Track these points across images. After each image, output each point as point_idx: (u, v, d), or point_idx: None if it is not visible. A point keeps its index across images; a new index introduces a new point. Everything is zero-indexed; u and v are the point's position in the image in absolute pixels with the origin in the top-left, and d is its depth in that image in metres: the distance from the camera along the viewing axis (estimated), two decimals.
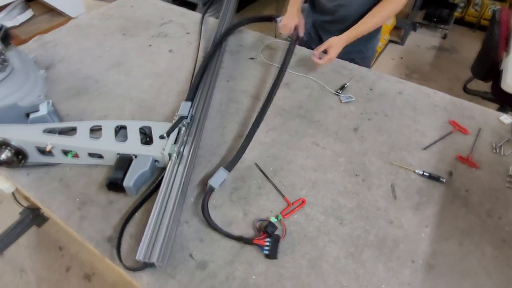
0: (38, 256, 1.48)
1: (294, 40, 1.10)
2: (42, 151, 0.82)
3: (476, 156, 0.88)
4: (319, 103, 1.03)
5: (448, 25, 2.91)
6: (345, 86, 1.08)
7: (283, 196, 0.78)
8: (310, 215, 0.75)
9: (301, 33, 1.16)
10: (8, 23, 2.25)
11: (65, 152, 0.83)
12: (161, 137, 0.83)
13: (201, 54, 1.22)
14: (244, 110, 1.01)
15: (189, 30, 1.38)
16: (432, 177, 0.82)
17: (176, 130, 0.84)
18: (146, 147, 0.81)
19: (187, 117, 0.84)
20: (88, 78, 1.14)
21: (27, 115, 0.92)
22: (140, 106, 1.03)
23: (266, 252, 0.67)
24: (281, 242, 0.70)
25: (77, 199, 0.78)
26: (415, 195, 0.79)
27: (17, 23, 2.33)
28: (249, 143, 0.83)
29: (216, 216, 0.75)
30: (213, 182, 0.76)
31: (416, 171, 0.83)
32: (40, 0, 2.29)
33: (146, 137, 0.85)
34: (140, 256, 0.61)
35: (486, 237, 0.72)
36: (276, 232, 0.71)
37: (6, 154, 0.79)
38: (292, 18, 1.13)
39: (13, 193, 1.34)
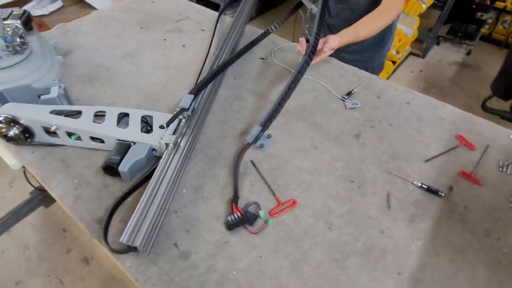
0: (42, 235, 1.53)
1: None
2: (48, 131, 0.86)
3: (481, 173, 0.84)
4: (323, 107, 1.02)
5: (474, 41, 2.82)
6: (352, 92, 1.06)
7: (274, 195, 0.77)
8: (299, 216, 0.74)
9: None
10: (38, 12, 2.36)
11: (69, 134, 0.86)
12: (161, 127, 0.84)
13: (212, 51, 1.24)
14: (247, 108, 1.01)
15: (204, 27, 1.40)
16: (431, 190, 0.79)
17: (176, 122, 0.85)
18: (145, 135, 0.82)
19: (188, 109, 0.85)
20: (101, 66, 1.18)
21: (39, 96, 0.96)
22: (147, 97, 1.05)
23: (229, 219, 0.70)
24: (262, 238, 0.70)
25: (75, 180, 0.81)
26: (410, 206, 0.77)
27: (47, 12, 2.44)
28: (283, 106, 0.85)
29: (204, 209, 0.75)
30: (249, 137, 0.81)
31: (414, 182, 0.81)
32: None
33: (147, 126, 0.87)
34: (124, 239, 0.62)
35: (480, 257, 0.69)
36: (252, 226, 0.71)
37: (14, 131, 0.83)
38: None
39: (24, 173, 1.40)
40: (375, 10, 1.04)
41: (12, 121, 0.83)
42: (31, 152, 0.88)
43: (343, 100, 1.04)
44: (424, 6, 2.26)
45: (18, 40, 1.00)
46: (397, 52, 2.45)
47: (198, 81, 1.03)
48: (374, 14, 1.04)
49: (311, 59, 0.92)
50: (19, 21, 1.02)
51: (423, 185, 0.80)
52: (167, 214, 0.74)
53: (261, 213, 0.73)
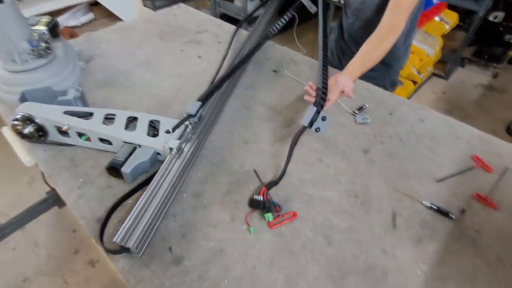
0: (53, 234, 1.57)
1: None
2: (60, 131, 0.89)
3: (497, 196, 0.79)
4: (332, 120, 1.00)
5: (501, 64, 2.73)
6: (364, 107, 1.04)
7: (274, 206, 0.76)
8: (298, 229, 0.72)
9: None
10: (71, 23, 2.51)
11: (80, 135, 0.88)
12: (167, 131, 0.86)
13: (226, 62, 1.26)
14: (255, 118, 1.01)
15: (221, 40, 1.43)
16: (441, 211, 0.75)
17: (182, 127, 0.86)
18: (151, 139, 0.84)
19: (194, 116, 0.86)
20: (119, 72, 1.22)
21: (57, 97, 1.00)
22: (158, 102, 1.07)
23: (254, 197, 0.74)
24: (258, 249, 0.68)
25: (80, 179, 0.83)
26: (417, 227, 0.73)
27: (79, 24, 2.58)
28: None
29: (203, 215, 0.74)
30: (303, 120, 0.76)
31: (423, 202, 0.77)
32: (101, 6, 2.53)
33: (154, 130, 0.88)
34: (118, 239, 0.62)
35: (491, 284, 0.63)
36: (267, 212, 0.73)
37: (29, 129, 0.87)
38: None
39: (42, 174, 1.45)
40: (377, 31, 0.96)
41: (28, 119, 0.87)
42: (44, 150, 0.91)
43: (354, 115, 1.02)
44: (447, 27, 2.22)
45: (43, 45, 1.06)
46: (419, 72, 2.40)
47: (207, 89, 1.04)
48: (378, 35, 0.95)
49: (322, 107, 0.81)
50: (45, 28, 1.08)
51: (432, 206, 0.75)
52: (165, 217, 0.73)
53: (251, 229, 0.71)
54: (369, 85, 1.15)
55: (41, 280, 1.39)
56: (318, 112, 0.77)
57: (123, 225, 0.64)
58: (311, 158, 0.88)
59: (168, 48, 1.37)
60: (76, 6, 2.54)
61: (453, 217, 0.74)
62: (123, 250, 0.64)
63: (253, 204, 0.74)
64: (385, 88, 1.16)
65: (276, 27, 1.17)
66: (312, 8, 1.30)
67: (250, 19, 1.77)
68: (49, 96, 1.01)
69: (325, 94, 0.85)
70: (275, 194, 0.79)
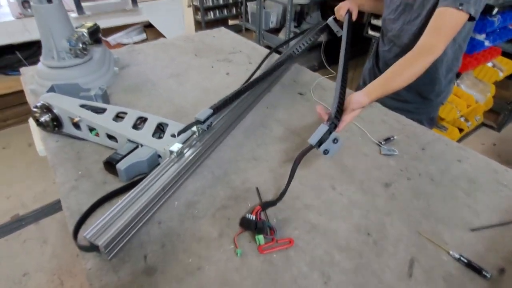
0: (62, 234, 1.57)
1: (348, 20, 1.18)
2: (73, 123, 0.89)
3: None
4: (354, 148, 0.91)
5: None
6: (392, 138, 0.94)
7: (270, 229, 0.67)
8: (292, 259, 0.62)
9: (354, 16, 1.23)
10: (125, 41, 2.72)
11: (90, 129, 0.88)
12: (172, 135, 0.82)
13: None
14: (270, 136, 0.95)
15: (252, 61, 1.43)
16: (472, 267, 0.60)
17: (189, 133, 0.83)
18: (154, 140, 0.81)
19: (203, 122, 0.82)
20: (148, 80, 1.25)
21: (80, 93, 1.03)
22: (176, 111, 1.06)
23: (247, 215, 0.66)
24: (241, 275, 0.58)
25: (79, 172, 0.81)
26: (439, 281, 0.59)
27: (131, 42, 2.78)
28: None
29: (190, 226, 0.67)
30: (311, 139, 0.67)
31: (451, 252, 0.63)
32: (154, 28, 2.73)
33: (161, 133, 0.85)
34: (88, 234, 0.57)
35: None
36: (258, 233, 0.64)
37: (45, 118, 0.89)
38: (345, 3, 1.24)
39: None
40: (410, 52, 0.87)
41: (46, 108, 0.89)
42: (55, 141, 0.91)
43: (379, 145, 0.92)
44: (501, 74, 2.04)
45: (80, 45, 1.12)
46: (466, 120, 2.21)
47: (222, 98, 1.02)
48: (408, 58, 0.86)
49: (335, 127, 0.72)
50: (86, 31, 1.15)
51: (462, 258, 0.61)
52: (149, 222, 0.68)
53: (238, 251, 0.62)
54: (401, 117, 1.05)
55: (39, 277, 1.37)
56: (329, 133, 0.69)
57: (98, 221, 0.59)
58: (323, 183, 0.79)
59: (199, 64, 1.39)
60: (132, 26, 2.74)
61: (488, 276, 0.59)
62: (92, 248, 0.58)
63: (244, 223, 0.66)
64: (421, 123, 1.05)
65: (300, 47, 1.15)
66: (338, 32, 1.28)
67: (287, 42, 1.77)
68: (75, 91, 1.04)
69: (340, 114, 0.77)
70: (273, 216, 0.70)
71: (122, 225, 0.59)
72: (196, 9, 4.20)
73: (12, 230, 1.57)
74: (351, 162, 0.86)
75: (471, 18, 0.87)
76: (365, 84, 1.33)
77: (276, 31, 3.44)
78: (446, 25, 0.86)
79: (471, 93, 2.02)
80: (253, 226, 0.64)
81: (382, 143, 0.92)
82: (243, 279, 0.58)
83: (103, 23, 2.32)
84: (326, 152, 0.70)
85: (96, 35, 1.23)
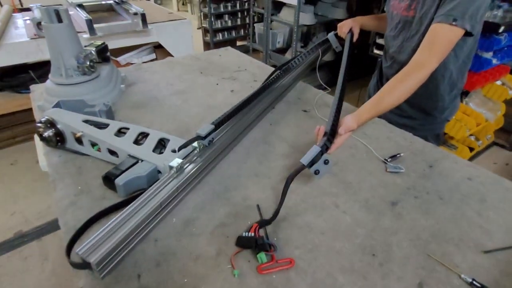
0: (63, 251, 1.54)
1: (349, 40, 1.19)
2: (76, 138, 0.90)
3: None
4: (358, 165, 0.89)
5: None
6: (398, 156, 0.91)
7: (269, 248, 0.64)
8: (292, 281, 0.59)
9: (355, 37, 1.24)
10: (134, 60, 2.79)
11: (93, 145, 0.88)
12: (173, 151, 0.81)
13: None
14: (273, 153, 0.94)
15: (257, 79, 1.44)
16: None
17: (190, 149, 0.82)
18: (154, 155, 0.80)
19: (204, 138, 0.82)
20: (153, 97, 1.26)
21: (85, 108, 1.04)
22: (179, 127, 1.06)
23: (243, 234, 0.64)
24: None
25: (79, 187, 0.80)
26: None
27: (141, 62, 2.85)
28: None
29: (187, 244, 0.65)
30: (304, 159, 0.71)
31: (462, 276, 0.59)
32: (164, 48, 2.80)
33: (162, 148, 0.85)
34: (80, 250, 0.56)
35: None
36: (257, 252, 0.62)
37: (48, 133, 0.89)
38: (348, 22, 1.26)
39: None
40: (401, 70, 0.87)
41: (50, 123, 0.89)
42: (58, 156, 0.92)
43: (385, 163, 0.89)
44: (511, 93, 2.01)
45: (88, 63, 1.14)
46: (476, 139, 2.16)
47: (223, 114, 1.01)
48: (399, 76, 0.86)
49: (327, 149, 0.76)
50: (94, 49, 1.17)
51: (475, 282, 0.57)
52: (145, 240, 0.66)
53: (236, 272, 0.59)
54: (407, 134, 1.03)
55: None
56: (321, 154, 0.72)
57: (91, 238, 0.58)
58: (326, 201, 0.76)
59: (204, 82, 1.41)
60: (143, 46, 2.82)
61: None
62: (85, 265, 0.56)
63: (241, 242, 0.63)
64: (426, 140, 1.02)
65: (298, 59, 1.16)
66: (337, 48, 1.29)
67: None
68: (80, 107, 1.05)
69: (333, 136, 0.78)
70: (273, 234, 0.67)
71: (115, 242, 0.57)
72: (205, 31, 4.33)
73: (14, 247, 1.56)
74: (355, 180, 0.83)
75: (467, 34, 0.86)
76: (368, 98, 1.32)
77: (283, 51, 3.49)
78: (439, 41, 0.85)
79: (481, 111, 1.98)
80: (253, 243, 0.61)
81: (388, 160, 0.89)
82: None
83: (114, 44, 2.39)
84: (317, 172, 0.73)
85: (104, 53, 1.25)
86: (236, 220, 0.71)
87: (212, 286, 0.57)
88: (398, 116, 1.17)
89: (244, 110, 1.00)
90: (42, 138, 0.90)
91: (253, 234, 0.63)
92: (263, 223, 0.66)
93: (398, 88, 0.84)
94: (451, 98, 1.12)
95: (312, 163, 0.72)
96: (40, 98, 1.21)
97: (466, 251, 0.65)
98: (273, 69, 1.52)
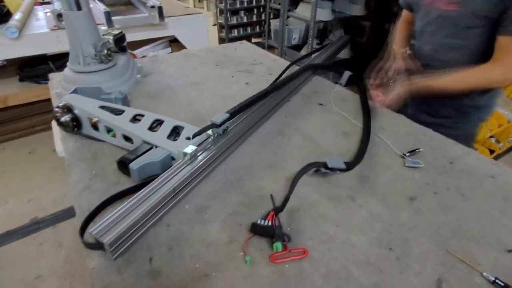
0: (77, 238, 1.57)
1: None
2: (92, 124, 0.90)
3: None
4: (375, 159, 0.86)
5: None
6: (417, 151, 0.88)
7: (283, 238, 0.62)
8: (305, 272, 0.57)
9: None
10: (150, 54, 2.81)
11: (108, 130, 0.89)
12: (187, 138, 0.81)
13: None
14: (287, 145, 0.92)
15: (272, 72, 1.42)
16: None
17: (204, 137, 0.81)
18: (169, 141, 0.80)
19: (218, 126, 0.81)
20: (168, 88, 1.27)
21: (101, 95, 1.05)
22: (194, 117, 1.06)
23: (258, 221, 0.63)
24: (250, 284, 0.54)
25: (94, 171, 0.81)
26: None
27: (156, 55, 2.87)
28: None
29: (199, 231, 0.65)
30: (329, 159, 0.77)
31: (484, 273, 0.56)
32: (180, 43, 2.81)
33: (176, 135, 0.84)
34: (94, 231, 0.56)
35: None
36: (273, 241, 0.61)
37: (65, 118, 0.90)
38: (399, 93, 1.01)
39: None
40: (487, 63, 0.88)
41: (67, 108, 0.90)
42: (74, 141, 0.93)
43: (403, 158, 0.86)
44: None
45: (105, 52, 1.15)
46: (497, 141, 2.08)
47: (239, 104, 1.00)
48: (486, 67, 0.89)
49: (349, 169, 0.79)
50: (111, 38, 1.18)
51: (497, 281, 0.55)
52: (158, 225, 0.65)
53: (247, 259, 0.58)
54: (427, 129, 0.99)
55: (51, 281, 1.37)
56: (346, 170, 0.78)
57: (105, 219, 0.58)
58: (341, 194, 0.74)
59: (219, 74, 1.40)
60: (159, 40, 2.84)
61: None
62: (98, 246, 0.56)
63: (257, 230, 0.62)
64: (456, 140, 0.96)
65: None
66: (341, 84, 1.21)
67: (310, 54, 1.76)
68: (96, 95, 1.06)
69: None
70: (287, 225, 0.66)
71: (128, 224, 0.57)
72: (220, 27, 4.33)
73: (30, 233, 1.59)
74: (372, 174, 0.81)
75: None
76: None
77: (298, 47, 3.46)
78: None
79: (503, 112, 1.91)
80: (270, 232, 0.60)
81: (407, 155, 0.87)
82: None
83: (131, 37, 2.41)
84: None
85: (121, 42, 1.26)
86: (249, 210, 0.70)
87: (224, 273, 0.57)
88: (430, 116, 1.13)
89: (260, 102, 0.99)
90: (59, 123, 0.91)
91: (269, 222, 0.62)
92: (279, 210, 0.65)
93: (479, 76, 0.89)
94: (490, 95, 1.07)
95: (334, 169, 0.77)
96: (58, 86, 1.23)
97: (488, 249, 0.62)
98: (288, 63, 1.51)
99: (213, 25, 4.82)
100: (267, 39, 3.88)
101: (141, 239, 0.62)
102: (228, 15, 4.01)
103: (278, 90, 1.08)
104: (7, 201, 1.80)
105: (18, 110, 2.31)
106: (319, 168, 0.76)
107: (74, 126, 0.91)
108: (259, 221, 0.63)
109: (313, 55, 1.52)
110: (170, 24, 2.51)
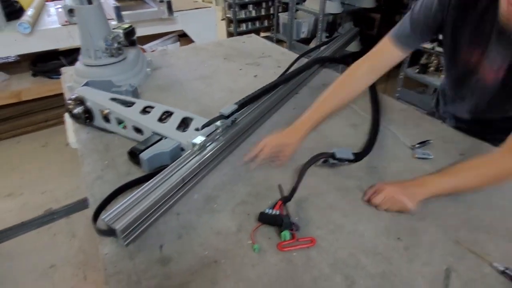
0: (90, 229, 1.61)
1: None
2: (103, 116, 0.92)
3: None
4: (384, 150, 0.86)
5: None
6: (427, 142, 0.87)
7: (290, 226, 0.63)
8: (313, 260, 0.58)
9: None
10: (159, 48, 2.83)
11: (119, 122, 0.90)
12: (196, 129, 0.82)
13: None
14: None
15: (281, 65, 1.42)
16: None
17: (212, 128, 0.82)
18: (178, 132, 0.81)
19: (227, 117, 0.81)
20: (177, 81, 1.28)
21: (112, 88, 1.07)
22: (203, 110, 1.07)
23: (266, 210, 0.64)
24: (257, 272, 0.55)
25: (106, 162, 0.82)
26: None
27: (166, 48, 2.88)
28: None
29: (208, 220, 0.66)
30: (337, 150, 0.76)
31: (494, 264, 0.56)
32: (188, 37, 2.82)
33: (185, 127, 0.85)
34: (107, 217, 0.57)
35: None
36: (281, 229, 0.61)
37: (78, 110, 0.92)
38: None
39: None
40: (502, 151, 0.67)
41: (79, 101, 0.92)
42: (87, 133, 0.95)
43: (412, 149, 0.86)
44: None
45: (116, 45, 1.17)
46: None
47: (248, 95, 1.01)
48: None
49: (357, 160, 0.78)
50: (121, 31, 1.19)
51: (507, 271, 0.54)
52: (168, 213, 0.67)
53: (256, 247, 0.59)
54: (437, 121, 0.98)
55: (65, 270, 1.41)
56: (354, 160, 0.78)
57: (117, 206, 0.59)
58: (350, 184, 0.74)
59: (228, 67, 1.41)
60: (168, 35, 2.85)
61: None
62: (110, 232, 0.58)
63: (265, 218, 0.63)
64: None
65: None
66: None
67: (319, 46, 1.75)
68: (107, 88, 1.08)
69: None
70: (295, 214, 0.66)
71: (139, 212, 0.58)
72: (229, 21, 4.32)
73: (44, 223, 1.64)
74: (381, 164, 0.81)
75: None
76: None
77: (307, 41, 3.43)
78: None
79: None
80: (279, 221, 0.61)
81: (416, 146, 0.86)
82: (260, 276, 0.55)
83: (141, 31, 2.43)
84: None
85: (131, 36, 1.27)
86: (257, 200, 0.70)
87: (233, 260, 0.58)
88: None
89: (268, 94, 0.99)
90: (72, 115, 0.93)
91: (277, 211, 0.62)
92: (287, 199, 0.65)
93: (485, 171, 0.67)
94: None
95: (341, 160, 0.76)
96: (70, 80, 1.25)
97: (498, 240, 0.61)
98: (297, 55, 1.50)
99: (222, 19, 4.81)
100: (276, 33, 3.85)
101: (151, 227, 0.63)
102: (236, 9, 3.99)
103: (286, 82, 1.08)
104: (22, 193, 1.85)
105: (32, 105, 2.36)
106: (327, 158, 0.76)
107: (86, 118, 0.93)
108: (267, 211, 0.63)
109: (321, 48, 1.51)
110: (179, 19, 2.52)
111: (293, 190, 0.68)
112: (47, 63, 2.38)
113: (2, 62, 2.57)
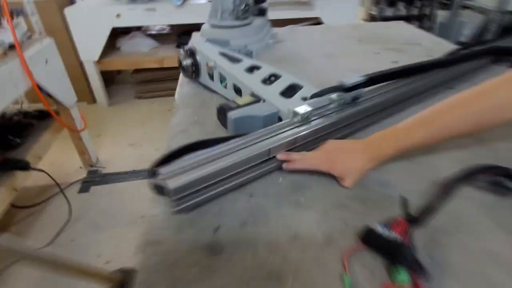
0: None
1: None
2: (208, 72, 0.84)
3: None
4: None
5: None
6: None
7: (419, 267, 0.38)
8: None
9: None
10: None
11: (221, 80, 0.80)
12: (304, 98, 0.64)
13: None
14: None
15: (432, 54, 1.09)
16: None
17: (325, 101, 0.62)
18: (279, 98, 0.64)
19: (347, 90, 0.60)
20: (299, 55, 1.12)
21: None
22: (320, 85, 0.87)
23: (379, 227, 0.40)
24: None
25: (196, 117, 0.73)
26: None
27: None
28: None
29: (287, 213, 0.47)
30: None
31: None
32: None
33: (292, 93, 0.68)
34: (163, 170, 0.45)
35: None
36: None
37: (187, 62, 0.87)
38: None
39: None
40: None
41: (191, 53, 0.87)
42: (190, 88, 0.89)
43: None
44: None
45: (243, 6, 1.08)
46: None
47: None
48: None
49: None
50: None
51: None
52: (240, 191, 0.51)
53: (347, 279, 0.36)
54: None
55: None
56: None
57: (177, 162, 0.47)
58: None
59: (361, 49, 1.17)
60: (303, 22, 2.74)
61: None
62: (162, 191, 0.45)
63: (373, 240, 0.40)
64: None
65: None
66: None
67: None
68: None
69: None
70: (424, 249, 0.40)
71: (201, 175, 0.44)
72: (371, 19, 3.93)
73: (148, 177, 1.75)
74: None
75: None
76: None
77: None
78: None
79: None
80: (396, 250, 0.37)
81: None
82: None
83: (276, 15, 2.39)
84: None
85: (261, 1, 1.18)
86: (365, 208, 0.47)
87: (304, 284, 0.37)
88: None
89: (411, 77, 0.72)
90: (181, 67, 0.88)
91: (397, 235, 0.38)
92: (412, 221, 0.40)
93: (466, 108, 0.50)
94: None
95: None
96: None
97: None
98: (457, 46, 1.13)
99: (362, 19, 4.44)
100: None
101: (213, 202, 0.49)
102: (384, 6, 3.58)
103: (441, 67, 0.78)
104: (142, 145, 2.05)
105: (171, 72, 2.62)
106: (499, 178, 0.47)
107: (193, 71, 0.87)
108: (379, 228, 0.40)
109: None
110: (317, 5, 2.37)
111: (428, 210, 0.42)
112: (190, 36, 2.59)
113: (156, 33, 2.95)
